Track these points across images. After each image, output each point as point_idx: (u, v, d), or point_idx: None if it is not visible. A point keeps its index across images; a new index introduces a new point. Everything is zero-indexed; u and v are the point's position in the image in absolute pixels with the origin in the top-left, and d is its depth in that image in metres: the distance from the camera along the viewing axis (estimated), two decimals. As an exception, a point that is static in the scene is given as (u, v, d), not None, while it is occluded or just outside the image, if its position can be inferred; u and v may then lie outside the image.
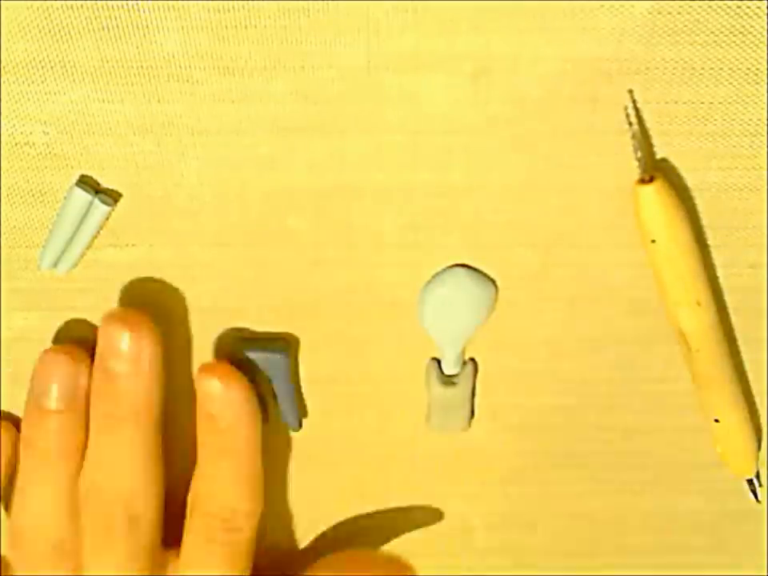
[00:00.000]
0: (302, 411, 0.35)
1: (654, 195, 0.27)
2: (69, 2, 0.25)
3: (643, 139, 0.27)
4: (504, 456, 0.36)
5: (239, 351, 0.32)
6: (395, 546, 0.39)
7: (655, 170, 0.27)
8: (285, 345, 0.32)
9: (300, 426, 0.34)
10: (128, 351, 0.29)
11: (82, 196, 0.28)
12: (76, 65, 0.26)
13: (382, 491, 0.37)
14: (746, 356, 0.33)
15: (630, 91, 0.26)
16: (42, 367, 0.30)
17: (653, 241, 0.28)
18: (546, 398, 0.34)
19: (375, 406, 0.35)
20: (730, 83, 0.26)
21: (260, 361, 0.32)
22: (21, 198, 0.29)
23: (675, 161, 0.28)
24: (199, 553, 0.31)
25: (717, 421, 0.32)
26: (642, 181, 0.27)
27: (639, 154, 0.27)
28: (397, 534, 0.39)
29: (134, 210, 0.29)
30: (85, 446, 0.31)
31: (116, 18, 0.25)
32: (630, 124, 0.26)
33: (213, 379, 0.30)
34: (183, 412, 0.32)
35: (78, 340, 0.32)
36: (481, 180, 0.28)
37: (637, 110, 0.27)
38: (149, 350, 0.29)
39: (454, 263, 0.31)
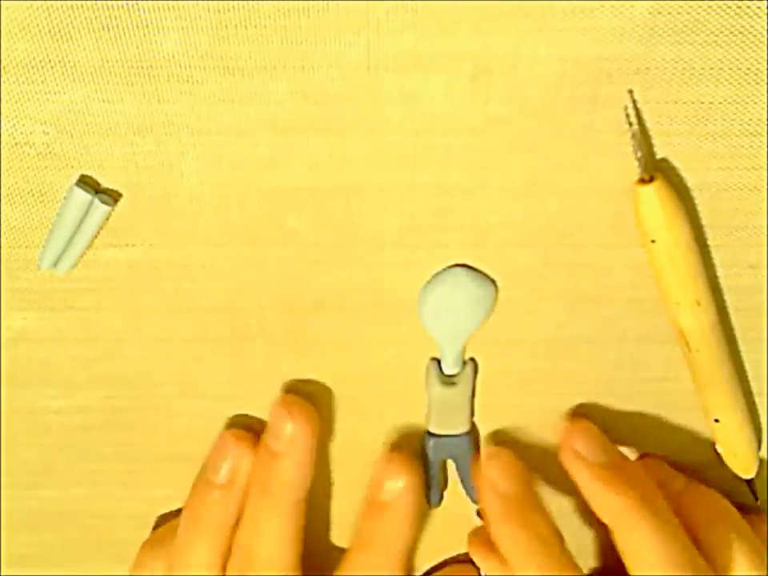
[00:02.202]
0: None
1: (654, 195, 0.27)
2: (69, 2, 0.25)
3: (643, 139, 0.27)
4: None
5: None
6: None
7: (655, 169, 0.27)
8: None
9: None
10: (288, 435, 0.33)
11: (82, 196, 0.28)
12: (76, 65, 0.26)
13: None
14: (745, 356, 0.33)
15: (630, 91, 0.26)
16: (216, 445, 0.34)
17: (653, 241, 0.28)
18: (546, 398, 0.34)
19: (375, 406, 0.35)
20: (730, 83, 0.26)
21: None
22: (21, 197, 0.29)
23: (675, 161, 0.28)
24: None
25: (717, 421, 0.32)
26: (642, 181, 0.27)
27: (639, 154, 0.27)
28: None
29: (134, 210, 0.29)
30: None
31: (116, 18, 0.25)
32: (630, 124, 0.26)
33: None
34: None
35: (77, 340, 0.32)
36: (481, 180, 0.28)
37: (637, 110, 0.27)
38: (306, 436, 0.33)
39: (454, 263, 0.31)
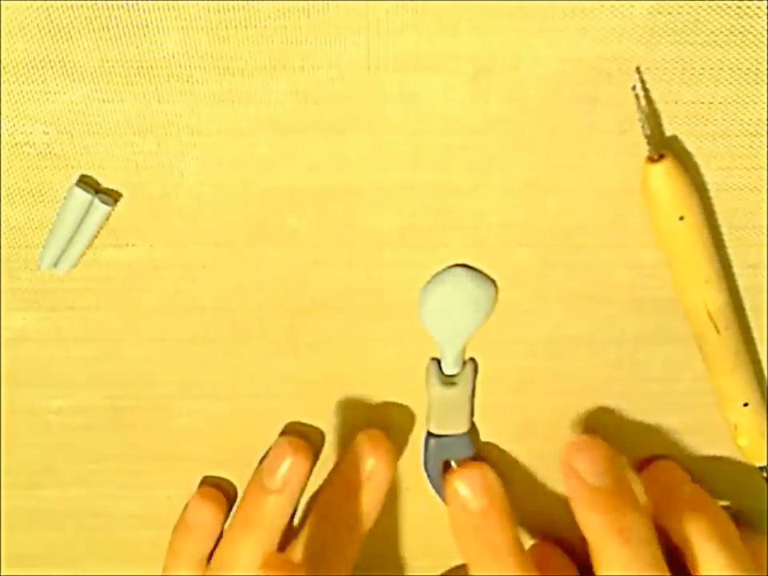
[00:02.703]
0: None
1: (674, 170, 0.26)
2: (69, 2, 0.25)
3: (652, 117, 0.27)
4: (504, 456, 0.36)
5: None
6: (395, 545, 0.39)
7: (664, 148, 0.27)
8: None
9: None
10: (282, 476, 0.34)
11: (82, 196, 0.28)
12: (76, 65, 0.26)
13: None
14: (746, 356, 0.33)
15: (638, 69, 0.26)
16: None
17: (681, 218, 0.27)
18: (546, 398, 0.34)
19: (375, 406, 0.35)
20: (730, 83, 0.26)
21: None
22: (21, 197, 0.29)
23: (675, 161, 0.28)
24: None
25: (746, 405, 0.31)
26: (652, 159, 0.27)
27: (648, 132, 0.26)
28: (397, 531, 0.39)
29: (134, 210, 0.29)
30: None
31: (116, 18, 0.25)
32: (639, 101, 0.26)
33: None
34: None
35: (77, 340, 0.32)
36: (481, 180, 0.28)
37: (645, 88, 0.26)
38: (299, 478, 0.34)
39: (454, 263, 0.31)
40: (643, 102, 0.26)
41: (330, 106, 0.27)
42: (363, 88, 0.26)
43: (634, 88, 0.26)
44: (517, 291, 0.31)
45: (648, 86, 0.26)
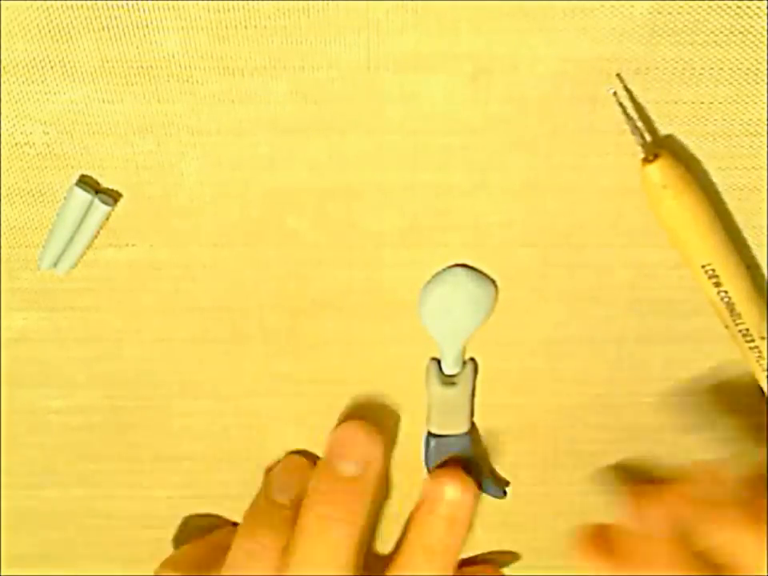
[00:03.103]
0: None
1: (671, 168, 0.26)
2: (69, 2, 0.25)
3: (641, 118, 0.27)
4: (504, 456, 0.36)
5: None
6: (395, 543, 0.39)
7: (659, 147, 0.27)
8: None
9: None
10: (359, 456, 0.33)
11: (82, 196, 0.28)
12: (76, 65, 0.26)
13: (382, 491, 0.37)
14: (746, 356, 0.33)
15: (618, 75, 0.26)
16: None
17: (686, 215, 0.27)
18: (546, 398, 0.34)
19: (375, 406, 0.35)
20: (730, 83, 0.26)
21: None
22: (21, 197, 0.29)
23: (675, 161, 0.28)
24: None
25: None
26: (647, 160, 0.27)
27: (637, 134, 0.26)
28: (397, 530, 0.39)
29: (134, 210, 0.29)
30: None
31: (116, 18, 0.25)
32: (620, 103, 0.26)
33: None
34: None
35: (77, 340, 0.32)
36: (481, 180, 0.29)
37: (629, 93, 0.26)
38: (378, 460, 0.33)
39: (454, 263, 0.31)
40: (628, 106, 0.26)
41: (329, 106, 0.27)
42: (363, 88, 0.26)
43: (615, 94, 0.26)
44: (517, 291, 0.31)
45: (648, 86, 0.26)
